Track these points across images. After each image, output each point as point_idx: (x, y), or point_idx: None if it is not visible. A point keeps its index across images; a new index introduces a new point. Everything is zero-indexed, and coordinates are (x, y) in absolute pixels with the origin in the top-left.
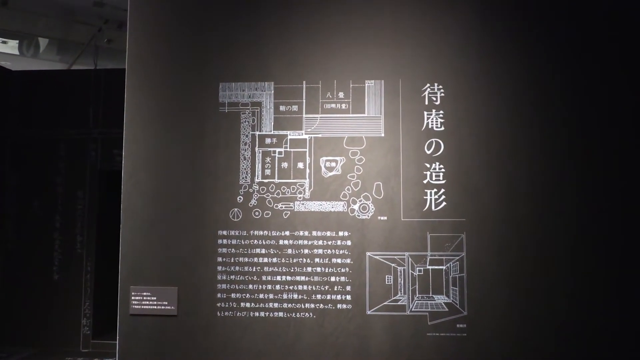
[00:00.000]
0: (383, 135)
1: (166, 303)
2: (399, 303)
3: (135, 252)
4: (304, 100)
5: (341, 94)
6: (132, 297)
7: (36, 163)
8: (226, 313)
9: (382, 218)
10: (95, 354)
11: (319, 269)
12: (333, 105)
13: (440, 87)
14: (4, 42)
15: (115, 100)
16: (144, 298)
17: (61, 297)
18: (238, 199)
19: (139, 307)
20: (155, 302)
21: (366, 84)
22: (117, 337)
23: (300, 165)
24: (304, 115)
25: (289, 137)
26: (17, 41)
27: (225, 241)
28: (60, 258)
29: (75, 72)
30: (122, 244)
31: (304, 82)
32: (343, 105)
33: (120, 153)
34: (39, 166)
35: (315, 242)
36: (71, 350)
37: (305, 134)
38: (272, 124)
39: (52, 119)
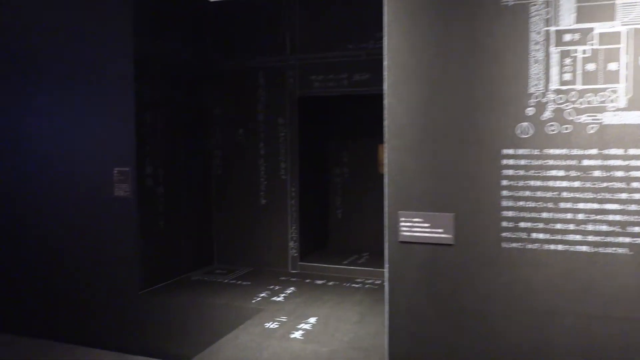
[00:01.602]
0: None
1: (441, 231)
2: None
3: (403, 174)
4: None
5: None
6: (401, 223)
7: (237, 92)
8: (513, 244)
9: None
10: (303, 275)
11: (636, 196)
12: None
13: None
14: None
15: (311, 25)
16: (415, 224)
17: (269, 221)
18: (527, 111)
19: (409, 234)
20: (428, 229)
21: None
22: (386, 264)
23: (613, 66)
24: (618, 1)
25: (597, 30)
26: None
27: (511, 161)
28: (266, 184)
29: None
30: (388, 166)
31: None
32: None
33: (318, 79)
34: (241, 95)
35: (632, 163)
36: (281, 271)
37: (622, 24)
38: (574, 15)
39: (249, 48)
